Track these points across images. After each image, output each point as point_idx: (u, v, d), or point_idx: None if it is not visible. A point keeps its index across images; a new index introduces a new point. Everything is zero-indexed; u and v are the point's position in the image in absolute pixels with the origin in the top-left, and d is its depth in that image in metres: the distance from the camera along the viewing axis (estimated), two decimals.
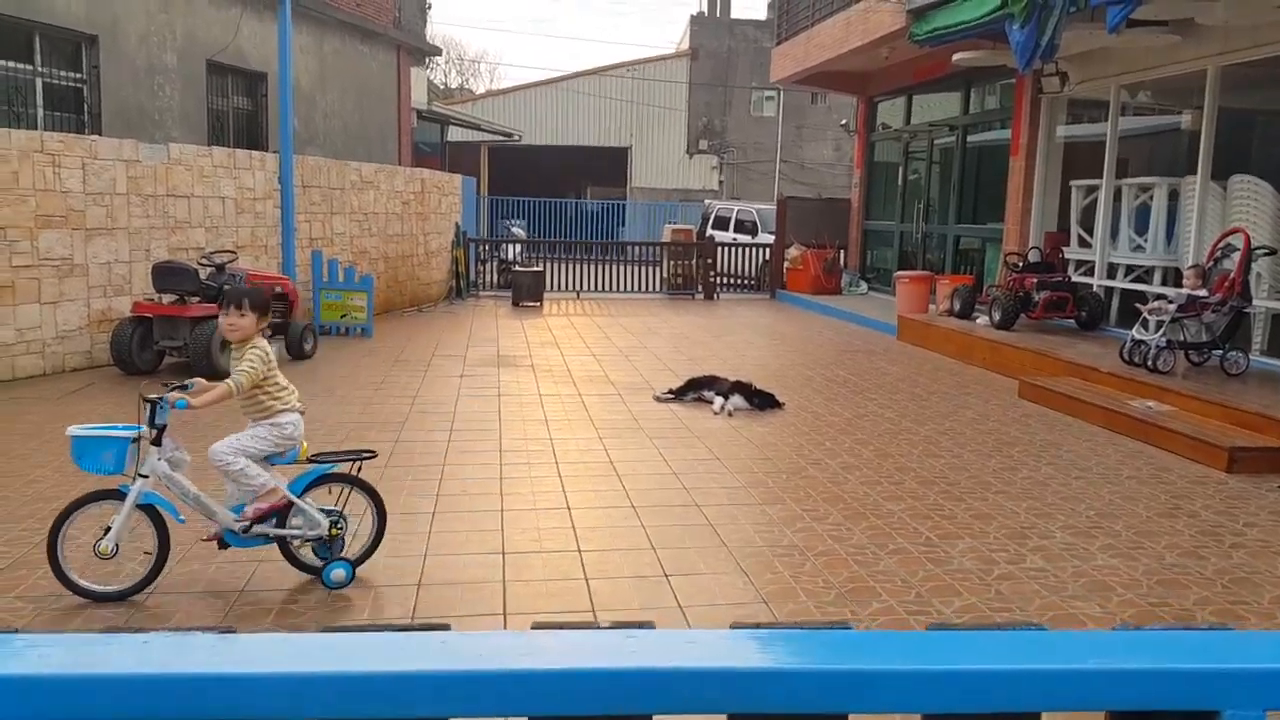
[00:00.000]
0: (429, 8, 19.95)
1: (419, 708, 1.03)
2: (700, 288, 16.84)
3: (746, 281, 17.98)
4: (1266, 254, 7.80)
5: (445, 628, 1.12)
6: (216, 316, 7.73)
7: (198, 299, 7.94)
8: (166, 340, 7.88)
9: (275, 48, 10.47)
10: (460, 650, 1.07)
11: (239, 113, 13.38)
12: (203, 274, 8.17)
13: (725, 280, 17.68)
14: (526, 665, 1.05)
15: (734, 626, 1.16)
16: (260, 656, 1.05)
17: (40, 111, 10.06)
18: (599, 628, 1.14)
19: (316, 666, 1.03)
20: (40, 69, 10.11)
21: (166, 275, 7.86)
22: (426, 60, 21.01)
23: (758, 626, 1.16)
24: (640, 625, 1.15)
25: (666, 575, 4.00)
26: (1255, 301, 7.91)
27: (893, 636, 1.19)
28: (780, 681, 1.08)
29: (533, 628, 1.13)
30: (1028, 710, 1.11)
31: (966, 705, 1.09)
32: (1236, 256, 7.56)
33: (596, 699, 1.05)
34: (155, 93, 11.50)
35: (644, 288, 17.15)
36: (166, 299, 7.95)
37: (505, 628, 3.41)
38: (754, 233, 20.06)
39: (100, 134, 10.12)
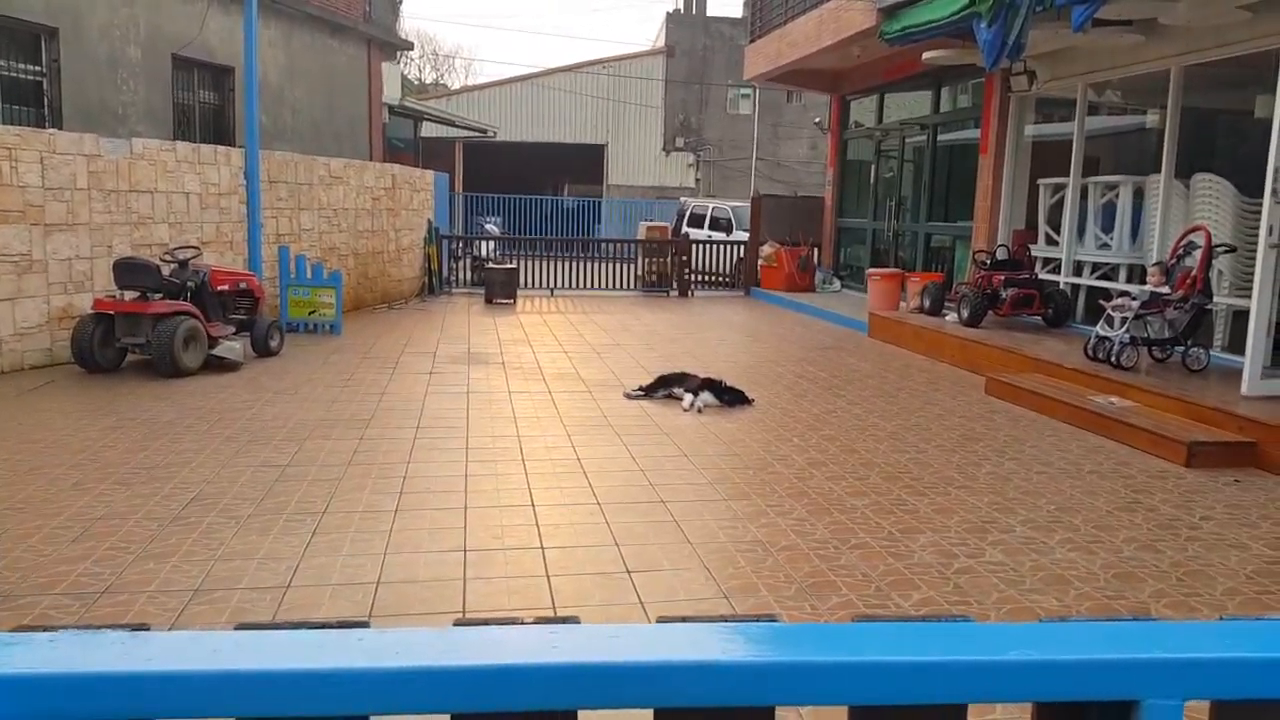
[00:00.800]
0: (400, 2, 19.81)
1: (336, 706, 1.01)
2: (675, 285, 16.85)
3: (721, 279, 18.00)
4: (1227, 251, 7.91)
5: (365, 625, 1.11)
6: (179, 314, 7.71)
7: (160, 296, 7.82)
8: (128, 338, 7.76)
9: (242, 41, 10.34)
10: (378, 648, 1.05)
11: (205, 107, 13.21)
12: (166, 270, 8.05)
13: (700, 278, 17.69)
14: (446, 662, 1.04)
15: (660, 620, 1.16)
16: (172, 654, 1.03)
17: None
18: (522, 624, 1.13)
19: (230, 664, 1.01)
20: None
21: (128, 272, 7.74)
22: (399, 55, 20.87)
23: (683, 620, 1.15)
24: (564, 620, 1.14)
25: (629, 571, 4.00)
26: (1216, 298, 8.02)
27: (818, 629, 1.18)
28: (705, 674, 1.07)
29: (454, 624, 1.12)
30: (953, 702, 1.12)
31: (892, 697, 1.09)
32: (1198, 254, 7.66)
33: (519, 695, 1.04)
34: (119, 87, 11.32)
35: (619, 285, 17.13)
36: (128, 296, 7.83)
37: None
38: (729, 230, 20.10)
39: (61, 128, 9.96)
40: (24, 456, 5.36)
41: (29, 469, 5.12)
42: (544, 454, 5.82)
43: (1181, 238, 8.04)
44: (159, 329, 7.61)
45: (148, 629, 1.07)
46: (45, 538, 4.12)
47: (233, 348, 8.29)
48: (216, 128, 13.34)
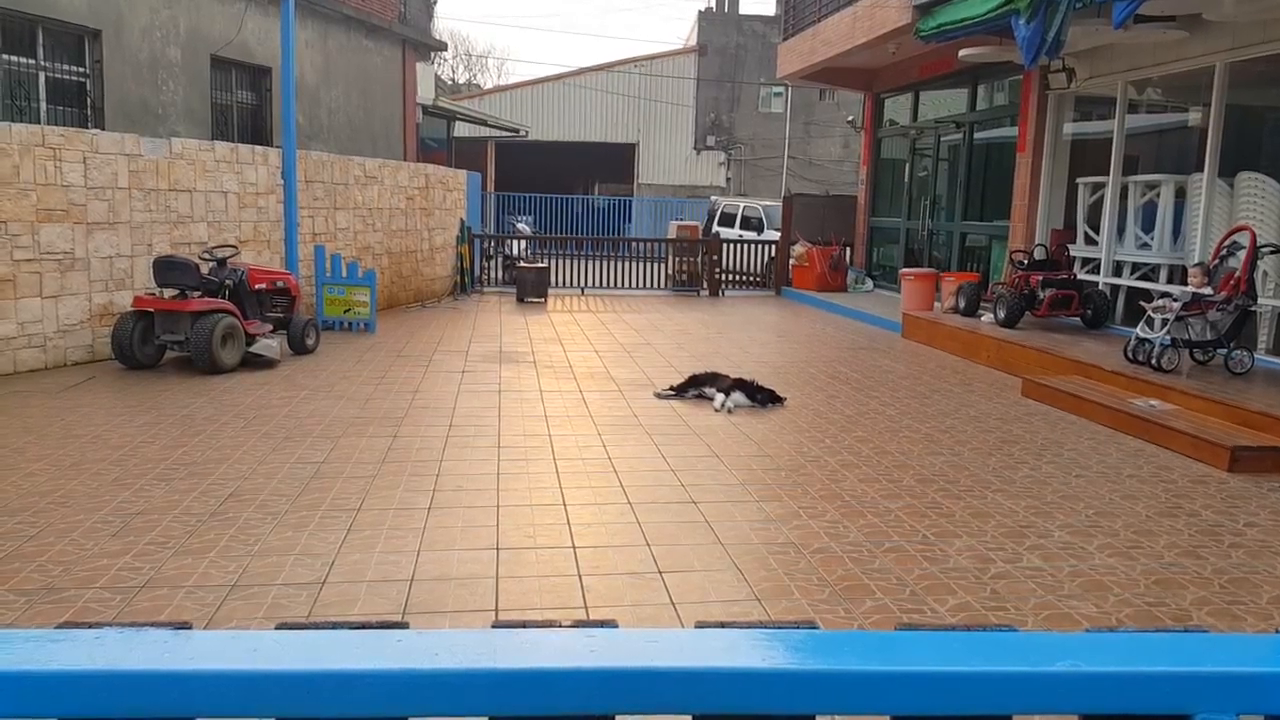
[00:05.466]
0: (435, 3, 19.94)
1: (374, 707, 1.01)
2: (705, 284, 16.81)
3: (752, 278, 17.94)
4: (1272, 252, 7.74)
5: (403, 626, 1.11)
6: (218, 312, 7.82)
7: (199, 294, 7.94)
8: (168, 335, 7.89)
9: (279, 42, 10.47)
10: (416, 649, 1.05)
11: (243, 108, 13.39)
12: (204, 269, 8.17)
13: (730, 277, 17.64)
14: (484, 665, 1.03)
15: (698, 625, 1.15)
16: (214, 653, 1.03)
17: (43, 106, 10.09)
18: (559, 626, 1.12)
19: (270, 664, 1.01)
20: (43, 63, 10.13)
21: (168, 270, 7.86)
22: (432, 56, 21.01)
23: (721, 625, 1.14)
24: (602, 624, 1.13)
25: (660, 572, 3.98)
26: (1261, 300, 7.86)
27: (860, 636, 1.17)
28: (744, 682, 1.06)
29: (493, 626, 1.11)
30: (998, 713, 1.09)
31: (935, 707, 1.07)
32: (1242, 254, 7.50)
33: (556, 699, 1.03)
34: (159, 87, 11.51)
35: (649, 284, 17.13)
36: (168, 293, 7.95)
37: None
38: (760, 229, 20.01)
39: (103, 128, 10.15)
40: (66, 452, 5.46)
41: (71, 464, 5.22)
42: (575, 453, 5.82)
43: (1225, 237, 7.88)
44: (197, 326, 7.73)
45: (189, 627, 1.08)
46: (87, 532, 4.19)
47: (270, 345, 8.39)
48: (254, 128, 13.52)
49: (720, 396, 7.27)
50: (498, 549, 4.18)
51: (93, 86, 10.68)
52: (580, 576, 3.92)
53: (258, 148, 10.35)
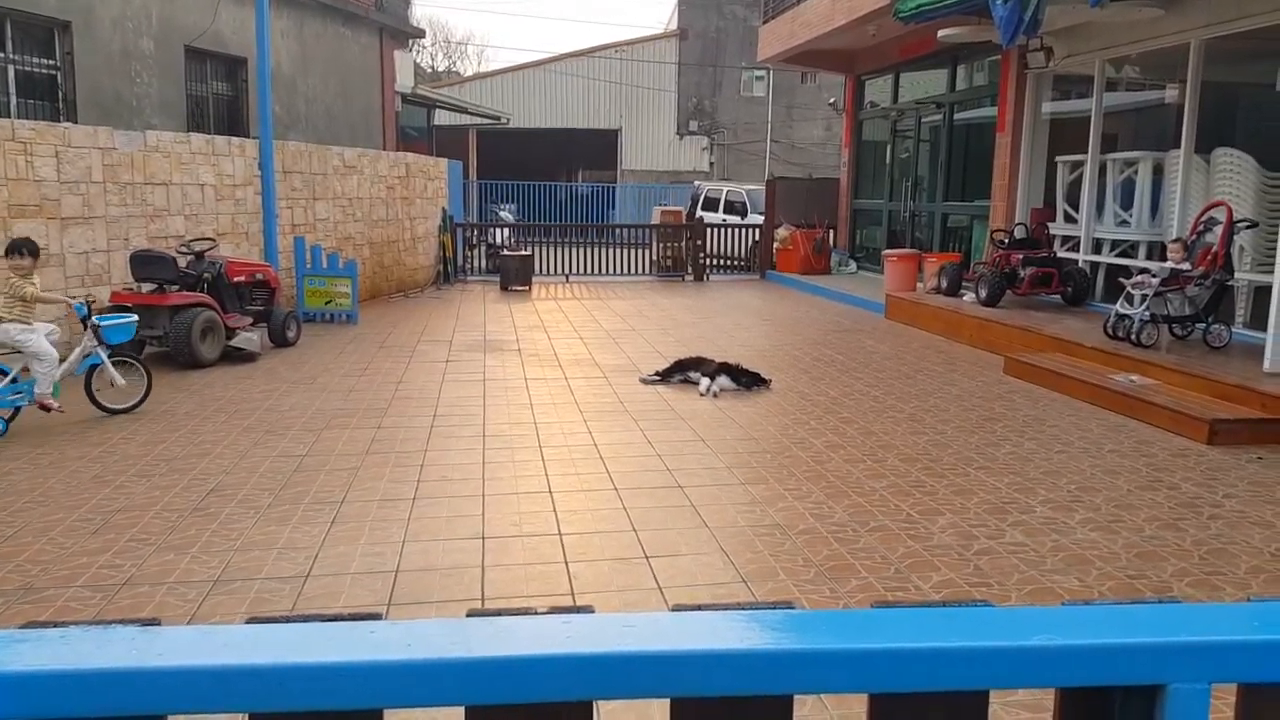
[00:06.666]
0: None
1: (348, 699, 1.00)
2: (690, 269, 16.79)
3: (736, 263, 17.92)
4: (1248, 227, 7.79)
5: (376, 617, 1.09)
6: (196, 305, 7.74)
7: (177, 288, 7.86)
8: (146, 330, 7.77)
9: (254, 32, 10.33)
10: (390, 640, 1.04)
11: (219, 98, 13.24)
12: (182, 262, 8.09)
13: (715, 262, 17.62)
14: (459, 654, 1.02)
15: (675, 609, 1.14)
16: (183, 649, 1.02)
17: (12, 99, 9.93)
18: (534, 613, 1.12)
19: (241, 658, 1.00)
20: (11, 56, 9.97)
21: (145, 264, 7.78)
22: (411, 43, 20.80)
23: (699, 608, 1.14)
24: (578, 609, 1.13)
25: (647, 557, 3.99)
26: (1237, 274, 7.92)
27: (836, 615, 1.16)
28: (722, 664, 1.05)
29: (467, 615, 1.11)
30: (975, 688, 1.10)
31: (913, 684, 1.07)
32: (1219, 230, 7.55)
33: (533, 686, 1.03)
34: (132, 79, 11.36)
35: (634, 270, 17.09)
36: (145, 288, 7.87)
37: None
38: (743, 214, 19.99)
39: (76, 121, 10.00)
40: (43, 450, 5.41)
41: (49, 462, 5.17)
42: (561, 440, 5.82)
43: (1202, 213, 7.93)
44: (176, 321, 7.65)
45: (159, 624, 1.07)
46: (66, 530, 4.16)
47: (250, 338, 8.32)
48: (230, 119, 13.37)
49: (705, 381, 7.27)
50: (484, 538, 4.17)
51: (64, 79, 10.53)
52: (567, 563, 3.92)
53: (234, 139, 10.25)
